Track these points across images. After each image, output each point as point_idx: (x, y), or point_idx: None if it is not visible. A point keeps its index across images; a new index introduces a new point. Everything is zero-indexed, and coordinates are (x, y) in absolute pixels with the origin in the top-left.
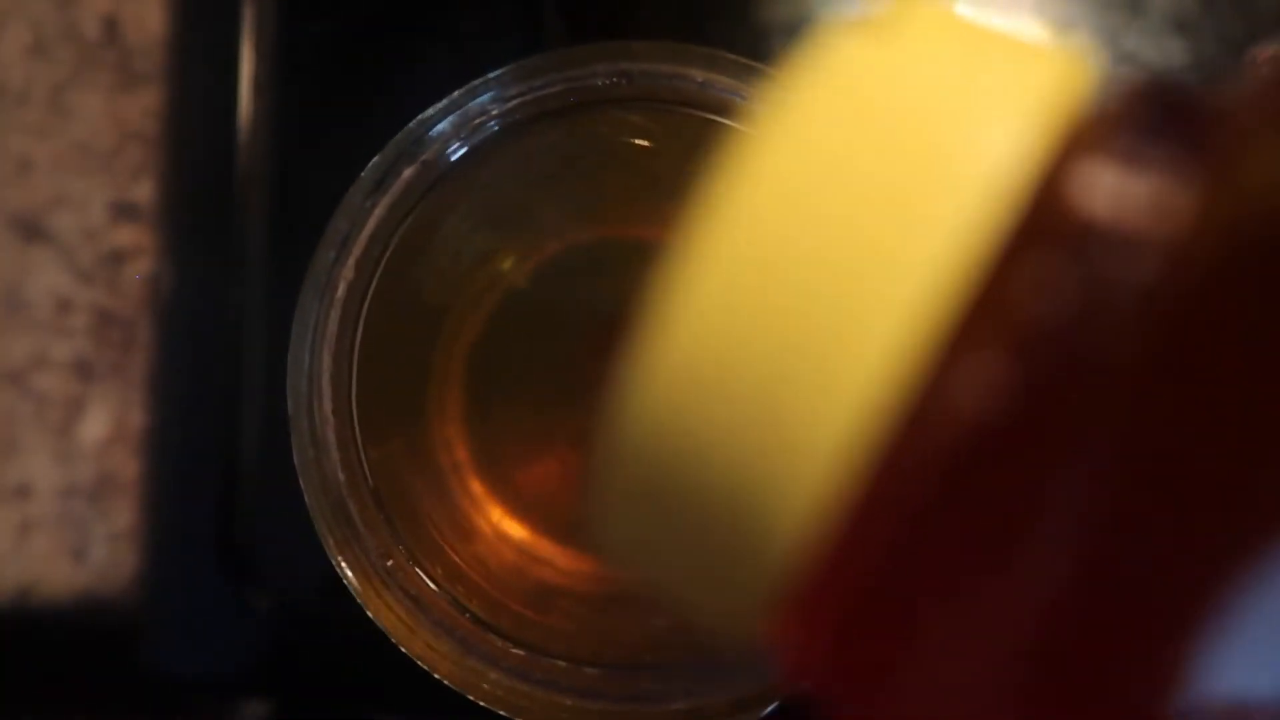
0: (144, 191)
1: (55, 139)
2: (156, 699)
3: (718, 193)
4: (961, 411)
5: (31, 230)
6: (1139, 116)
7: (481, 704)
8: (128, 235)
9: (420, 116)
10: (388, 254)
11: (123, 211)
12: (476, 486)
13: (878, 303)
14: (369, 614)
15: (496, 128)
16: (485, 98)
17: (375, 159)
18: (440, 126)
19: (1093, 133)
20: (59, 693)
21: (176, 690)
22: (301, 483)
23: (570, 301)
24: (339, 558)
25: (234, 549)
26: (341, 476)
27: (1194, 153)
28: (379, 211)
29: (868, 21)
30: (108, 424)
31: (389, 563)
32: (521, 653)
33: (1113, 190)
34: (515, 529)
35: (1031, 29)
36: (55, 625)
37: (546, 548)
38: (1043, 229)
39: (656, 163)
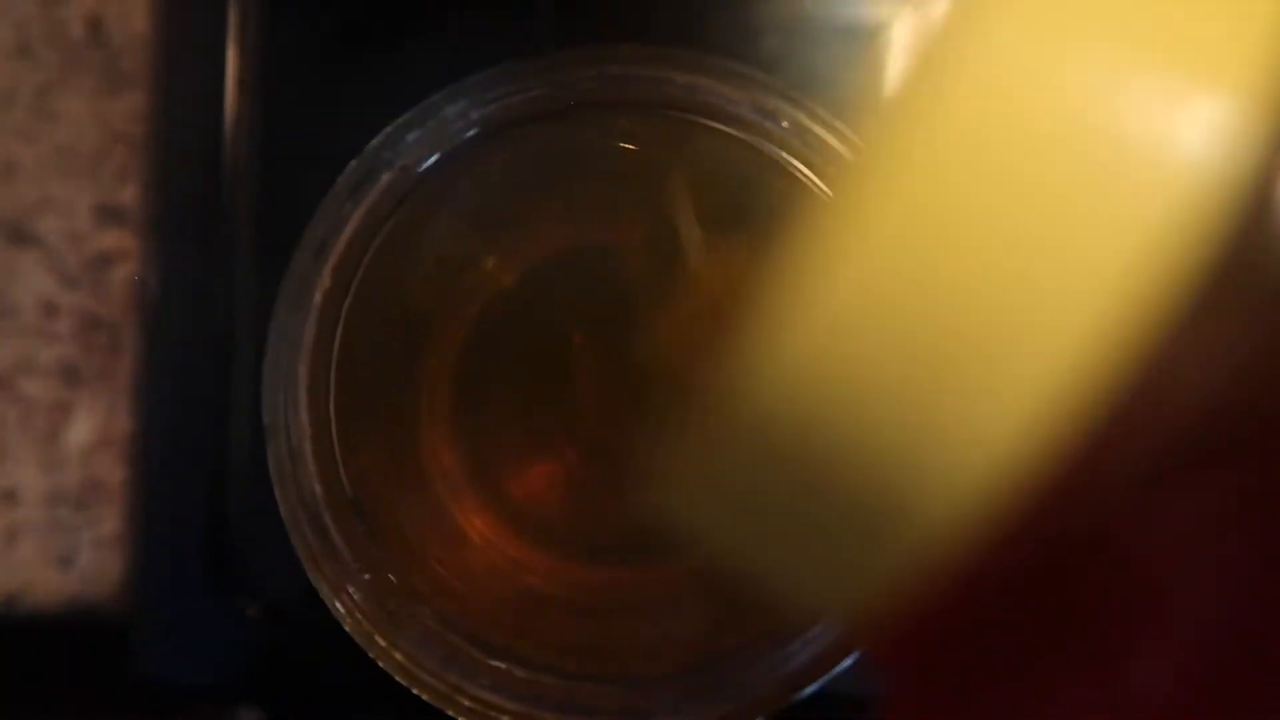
0: (130, 194)
1: (40, 142)
2: (144, 706)
3: (888, 158)
4: (1169, 411)
5: (16, 234)
6: None
7: None
8: (114, 239)
9: (397, 121)
10: (366, 260)
11: (108, 215)
12: (464, 493)
13: (1077, 281)
14: (345, 629)
15: (476, 132)
16: (463, 102)
17: (350, 165)
18: (417, 132)
19: None
20: (46, 700)
21: (165, 697)
22: (278, 496)
23: (556, 304)
24: (315, 572)
25: (222, 555)
26: (319, 489)
27: None
28: (356, 218)
29: None
30: (94, 429)
31: (366, 576)
32: (504, 666)
33: None
34: (502, 536)
35: None
36: (42, 632)
37: (534, 555)
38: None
39: (641, 166)
